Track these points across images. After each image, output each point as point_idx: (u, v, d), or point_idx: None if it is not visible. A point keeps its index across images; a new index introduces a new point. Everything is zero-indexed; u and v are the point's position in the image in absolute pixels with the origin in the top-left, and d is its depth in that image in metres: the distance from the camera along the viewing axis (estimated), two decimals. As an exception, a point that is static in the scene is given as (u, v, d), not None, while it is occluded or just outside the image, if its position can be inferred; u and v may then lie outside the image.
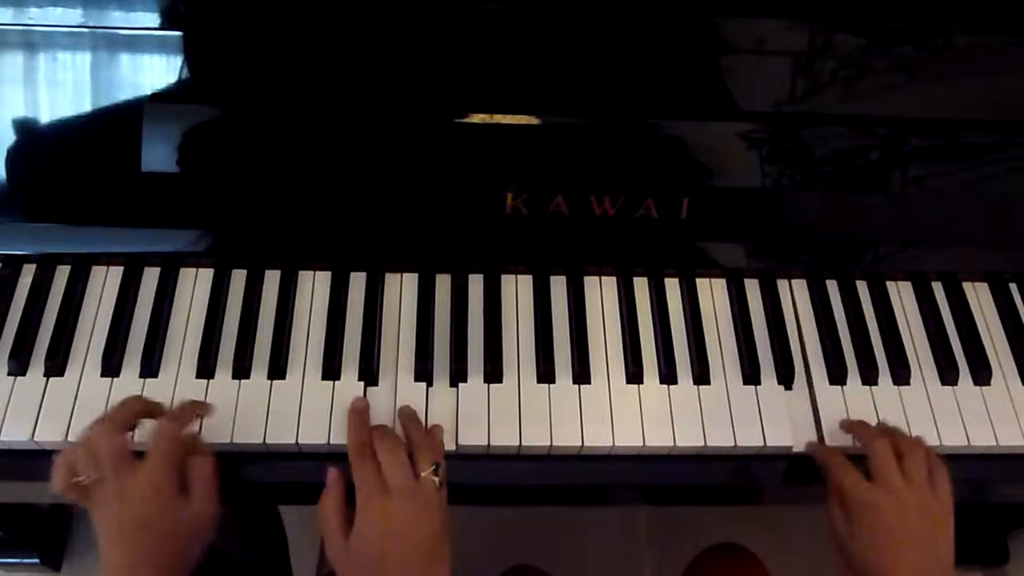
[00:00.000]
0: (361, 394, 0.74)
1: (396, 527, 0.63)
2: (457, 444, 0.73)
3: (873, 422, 0.75)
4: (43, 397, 0.73)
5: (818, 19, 0.78)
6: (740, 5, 0.77)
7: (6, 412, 0.72)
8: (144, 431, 0.68)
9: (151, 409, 0.69)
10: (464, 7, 0.76)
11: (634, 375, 0.77)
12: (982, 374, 0.80)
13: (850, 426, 0.75)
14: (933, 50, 0.79)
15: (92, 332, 0.77)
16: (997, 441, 0.76)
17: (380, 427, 0.70)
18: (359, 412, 0.71)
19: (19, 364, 0.74)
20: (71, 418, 0.72)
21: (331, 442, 0.72)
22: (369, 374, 0.75)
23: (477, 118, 0.76)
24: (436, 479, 0.65)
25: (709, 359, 0.78)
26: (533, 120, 0.77)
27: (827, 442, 0.75)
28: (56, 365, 0.74)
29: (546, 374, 0.76)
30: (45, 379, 0.74)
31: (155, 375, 0.74)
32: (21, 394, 0.73)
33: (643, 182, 0.78)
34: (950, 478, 0.68)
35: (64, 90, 0.76)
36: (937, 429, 0.76)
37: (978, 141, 0.80)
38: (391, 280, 0.80)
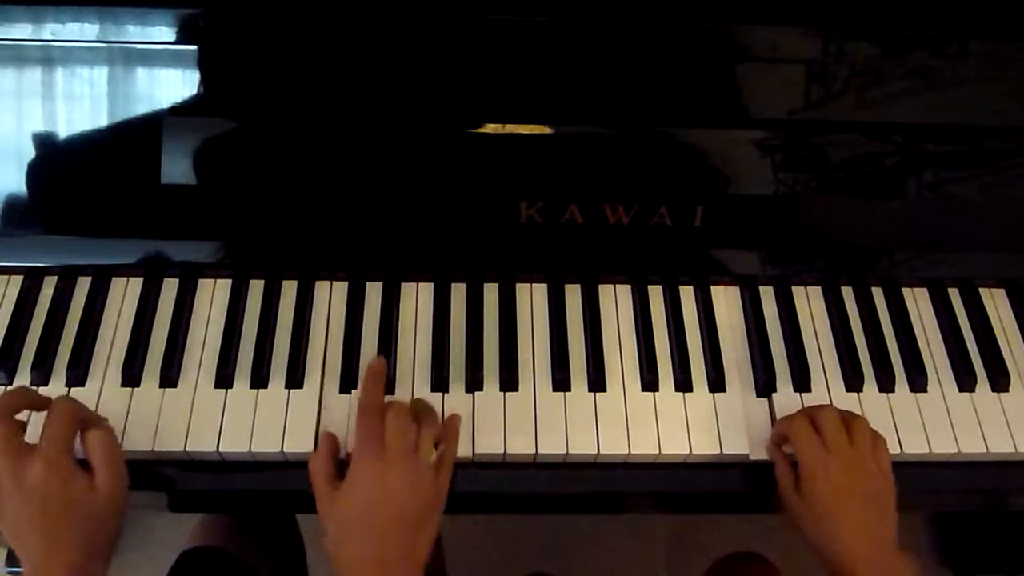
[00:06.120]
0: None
1: (384, 490, 0.64)
2: (473, 452, 0.73)
3: (891, 430, 0.75)
4: (64, 407, 0.74)
5: (831, 26, 0.78)
6: (752, 13, 0.77)
7: (28, 422, 0.72)
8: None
9: (39, 403, 0.68)
10: (477, 19, 0.76)
11: (649, 383, 0.77)
12: (1000, 380, 0.79)
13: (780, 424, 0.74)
14: (947, 56, 0.79)
15: (112, 343, 0.77)
16: (1016, 448, 0.76)
17: (394, 400, 0.71)
18: (376, 373, 0.71)
19: (41, 374, 0.75)
20: (92, 428, 0.73)
21: (350, 451, 0.72)
22: (386, 383, 0.75)
23: (491, 128, 0.77)
24: (433, 454, 0.67)
25: (725, 366, 0.78)
26: (547, 130, 0.77)
27: None
28: (77, 375, 0.75)
29: (561, 382, 0.76)
30: (67, 389, 0.75)
31: (174, 385, 0.75)
32: (43, 404, 0.74)
33: (657, 191, 0.78)
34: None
35: (84, 104, 0.77)
36: (955, 436, 0.76)
37: (993, 146, 0.80)
38: (407, 290, 0.81)
